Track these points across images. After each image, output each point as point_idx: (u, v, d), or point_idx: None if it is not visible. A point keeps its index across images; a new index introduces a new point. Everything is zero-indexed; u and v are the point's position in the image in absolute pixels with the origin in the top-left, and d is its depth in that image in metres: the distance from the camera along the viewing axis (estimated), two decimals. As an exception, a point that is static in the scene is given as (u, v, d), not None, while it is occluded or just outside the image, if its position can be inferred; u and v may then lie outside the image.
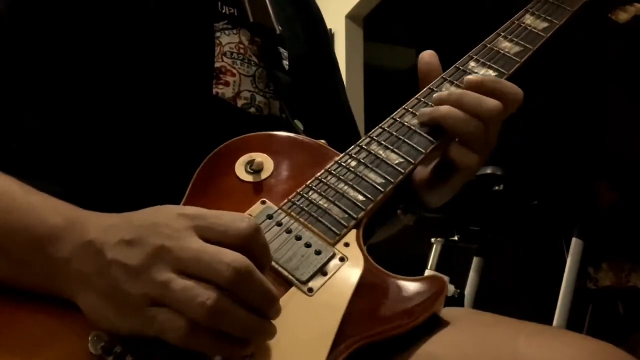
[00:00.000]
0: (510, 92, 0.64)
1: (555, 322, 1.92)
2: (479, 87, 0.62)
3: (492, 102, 0.61)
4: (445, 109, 0.62)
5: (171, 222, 0.45)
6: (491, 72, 0.69)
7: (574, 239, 2.02)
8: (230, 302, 0.43)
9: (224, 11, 0.71)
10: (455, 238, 2.28)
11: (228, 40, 0.70)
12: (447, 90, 0.65)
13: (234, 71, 0.69)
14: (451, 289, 2.15)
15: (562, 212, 2.16)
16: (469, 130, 0.61)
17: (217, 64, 0.68)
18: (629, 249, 2.95)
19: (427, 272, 2.13)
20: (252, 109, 0.70)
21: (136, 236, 0.45)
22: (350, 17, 3.47)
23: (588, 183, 2.40)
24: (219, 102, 0.67)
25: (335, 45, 3.58)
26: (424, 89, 0.68)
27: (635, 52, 3.26)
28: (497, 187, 2.01)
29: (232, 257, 0.43)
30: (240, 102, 0.69)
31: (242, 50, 0.70)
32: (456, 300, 2.07)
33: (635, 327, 2.75)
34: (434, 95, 0.65)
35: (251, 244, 0.45)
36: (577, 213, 2.13)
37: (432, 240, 2.30)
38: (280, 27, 0.76)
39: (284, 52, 0.76)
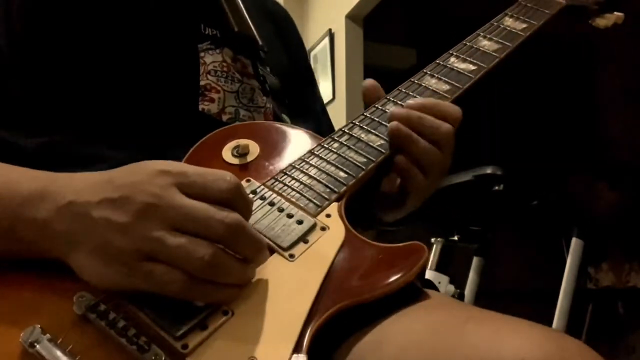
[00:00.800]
0: (450, 111, 0.64)
1: (555, 322, 1.93)
2: (422, 109, 0.63)
3: (445, 126, 0.62)
4: (407, 133, 0.61)
5: (154, 179, 0.46)
6: (471, 67, 0.71)
7: (574, 239, 2.02)
8: (225, 256, 0.45)
9: (206, 32, 0.73)
10: (455, 238, 2.28)
11: (212, 59, 0.72)
12: (410, 103, 0.65)
13: (219, 88, 0.71)
14: (451, 289, 2.15)
15: (562, 212, 2.16)
16: (430, 157, 0.62)
17: (202, 82, 0.70)
18: (629, 249, 2.95)
19: (427, 273, 2.13)
20: (237, 123, 0.72)
21: (121, 195, 0.46)
22: (350, 17, 3.46)
23: (588, 183, 2.40)
24: (205, 117, 0.69)
25: (335, 45, 3.58)
26: (406, 82, 0.71)
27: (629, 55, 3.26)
28: (497, 187, 2.01)
29: (224, 214, 0.45)
30: (225, 117, 0.71)
31: (225, 68, 0.73)
32: (456, 300, 2.06)
33: (635, 327, 2.75)
34: (390, 110, 0.65)
35: (233, 199, 0.47)
36: (577, 213, 2.13)
37: (432, 240, 2.30)
38: (261, 41, 0.79)
39: (267, 68, 0.80)
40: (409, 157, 0.62)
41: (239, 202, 0.47)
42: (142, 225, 0.44)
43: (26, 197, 0.49)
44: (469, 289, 2.26)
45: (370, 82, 0.70)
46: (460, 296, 2.18)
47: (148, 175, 0.47)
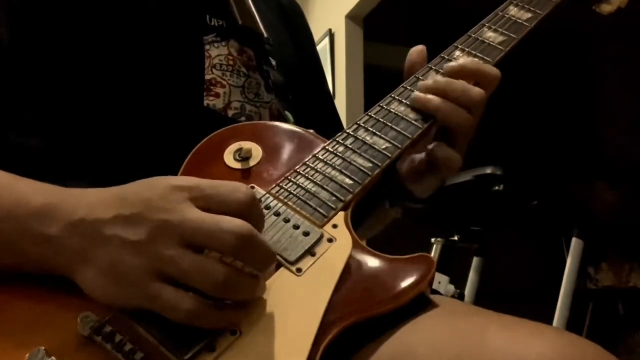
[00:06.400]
0: (489, 72, 0.66)
1: (555, 322, 1.93)
2: (460, 72, 0.65)
3: (475, 91, 0.63)
4: (436, 100, 0.64)
5: (168, 195, 0.45)
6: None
7: (574, 239, 2.02)
8: (237, 274, 0.44)
9: (212, 24, 0.72)
10: (455, 238, 2.28)
11: (217, 52, 0.71)
12: (433, 78, 0.67)
13: (224, 82, 0.70)
14: (451, 288, 2.15)
15: (562, 212, 2.16)
16: (459, 121, 0.63)
17: (207, 77, 0.69)
18: (628, 249, 2.95)
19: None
20: (243, 118, 0.70)
21: (135, 212, 0.45)
22: (350, 17, 3.46)
23: (588, 183, 2.40)
24: (210, 113, 0.68)
25: (335, 45, 3.57)
26: (410, 78, 0.69)
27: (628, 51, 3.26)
28: (497, 187, 2.01)
29: (234, 224, 0.44)
30: (230, 112, 0.69)
31: (231, 62, 0.72)
32: (456, 300, 2.06)
33: (635, 327, 2.75)
34: (419, 83, 0.67)
35: (248, 212, 0.46)
36: (577, 213, 2.13)
37: (432, 240, 2.31)
38: (266, 33, 0.78)
39: (272, 61, 0.79)
40: (449, 129, 0.63)
41: (253, 215, 0.46)
42: (155, 244, 0.44)
43: (35, 211, 0.48)
44: (469, 289, 2.26)
45: (417, 49, 0.70)
46: (460, 296, 2.18)
47: (162, 191, 0.46)
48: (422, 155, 0.67)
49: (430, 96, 0.64)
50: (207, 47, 0.70)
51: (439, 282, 2.13)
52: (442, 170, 0.65)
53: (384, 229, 0.81)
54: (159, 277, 0.44)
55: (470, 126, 0.63)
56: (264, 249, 0.46)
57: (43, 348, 0.43)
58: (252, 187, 0.58)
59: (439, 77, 0.66)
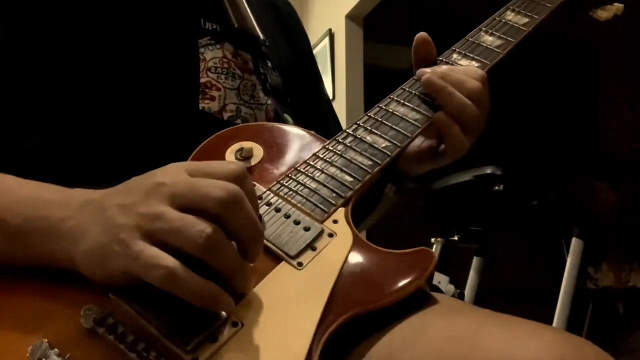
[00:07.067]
0: (471, 71, 0.67)
1: (555, 322, 1.93)
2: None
3: (473, 82, 0.65)
4: (442, 84, 0.64)
5: (166, 168, 0.49)
6: (474, 64, 0.70)
7: (574, 239, 2.02)
8: (223, 235, 0.44)
9: (206, 27, 0.72)
10: (455, 238, 2.27)
11: (212, 55, 0.71)
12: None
13: (219, 85, 0.70)
14: (451, 289, 2.15)
15: (562, 212, 2.16)
16: (468, 112, 0.63)
17: (202, 80, 0.69)
18: (628, 249, 2.95)
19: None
20: (239, 121, 0.70)
21: (134, 184, 0.48)
22: (350, 17, 3.45)
23: (588, 183, 2.40)
24: (206, 116, 0.68)
25: (335, 45, 3.57)
26: (409, 79, 0.70)
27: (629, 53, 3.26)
28: (497, 187, 2.01)
29: (224, 183, 0.45)
30: (226, 115, 0.70)
31: (226, 65, 0.72)
32: (456, 300, 2.06)
33: (635, 327, 2.75)
34: (419, 72, 0.67)
35: (240, 182, 0.47)
36: (577, 213, 2.13)
37: (432, 240, 2.30)
38: (262, 35, 0.79)
39: (269, 63, 0.79)
40: (447, 113, 0.64)
41: (245, 187, 0.47)
42: (146, 202, 0.45)
43: (53, 201, 0.50)
44: (469, 289, 2.26)
45: (421, 35, 0.70)
46: (460, 296, 2.18)
47: (161, 170, 0.48)
48: (431, 139, 0.68)
49: (444, 85, 0.65)
50: (202, 50, 0.71)
51: (439, 282, 2.13)
52: (449, 151, 0.66)
53: (383, 217, 0.81)
54: (145, 237, 0.44)
55: (478, 119, 0.64)
56: (251, 215, 0.46)
57: (46, 340, 0.43)
58: (254, 185, 0.58)
59: (444, 66, 0.68)
